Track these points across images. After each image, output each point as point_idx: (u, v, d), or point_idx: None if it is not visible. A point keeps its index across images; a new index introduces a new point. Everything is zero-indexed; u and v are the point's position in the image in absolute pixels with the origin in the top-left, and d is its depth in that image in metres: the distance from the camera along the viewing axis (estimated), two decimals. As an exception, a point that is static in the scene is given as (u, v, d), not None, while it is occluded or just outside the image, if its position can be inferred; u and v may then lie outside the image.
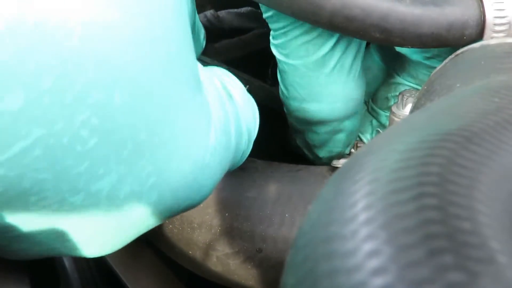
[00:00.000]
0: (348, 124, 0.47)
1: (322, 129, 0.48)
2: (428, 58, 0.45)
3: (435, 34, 0.37)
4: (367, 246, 0.15)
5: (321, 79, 0.43)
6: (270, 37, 0.44)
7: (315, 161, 0.54)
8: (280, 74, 0.46)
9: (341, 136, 0.49)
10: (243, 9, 0.53)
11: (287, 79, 0.45)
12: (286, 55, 0.43)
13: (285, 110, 0.50)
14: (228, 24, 0.53)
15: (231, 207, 0.49)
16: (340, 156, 0.52)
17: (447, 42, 0.37)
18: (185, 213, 0.51)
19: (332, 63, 0.42)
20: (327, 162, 0.53)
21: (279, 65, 0.45)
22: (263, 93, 0.65)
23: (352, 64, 0.44)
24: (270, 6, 0.39)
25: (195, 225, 0.50)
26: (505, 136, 0.20)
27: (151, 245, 0.63)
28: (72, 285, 0.62)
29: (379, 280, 0.14)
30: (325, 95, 0.44)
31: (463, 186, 0.17)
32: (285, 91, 0.46)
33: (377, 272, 0.15)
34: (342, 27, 0.37)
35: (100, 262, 0.63)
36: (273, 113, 0.66)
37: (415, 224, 0.15)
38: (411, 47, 0.38)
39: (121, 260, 0.61)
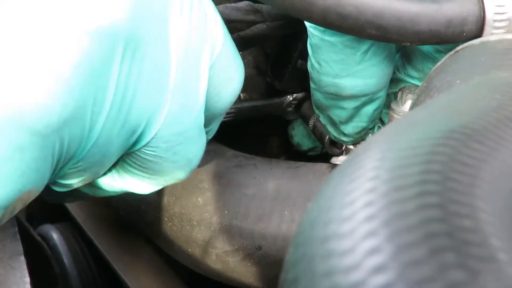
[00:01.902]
0: (376, 98, 0.47)
1: (351, 104, 0.48)
2: (438, 52, 0.44)
3: (433, 30, 0.37)
4: (367, 244, 0.15)
5: (357, 56, 0.43)
6: None
7: (337, 138, 0.54)
8: (313, 49, 0.46)
9: (368, 110, 0.48)
10: (241, 3, 0.53)
11: (321, 54, 0.45)
12: (323, 31, 0.43)
13: (312, 86, 0.49)
14: (225, 18, 0.52)
15: (230, 204, 0.49)
16: (365, 131, 0.52)
17: (446, 38, 0.37)
18: (184, 211, 0.51)
19: (369, 40, 0.42)
20: (350, 140, 0.53)
21: (313, 40, 0.45)
22: (264, 88, 0.65)
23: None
24: (263, 2, 0.39)
25: (194, 223, 0.50)
26: (506, 133, 0.20)
27: (150, 243, 0.63)
28: (71, 283, 0.62)
29: (378, 279, 0.14)
30: (360, 72, 0.44)
31: (464, 184, 0.17)
32: (317, 66, 0.46)
33: (377, 270, 0.15)
34: (336, 25, 0.37)
35: (99, 260, 0.63)
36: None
37: (417, 222, 0.15)
38: (410, 44, 0.38)
39: (120, 258, 0.61)
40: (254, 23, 0.55)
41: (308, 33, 0.45)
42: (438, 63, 0.37)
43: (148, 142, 0.36)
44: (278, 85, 0.61)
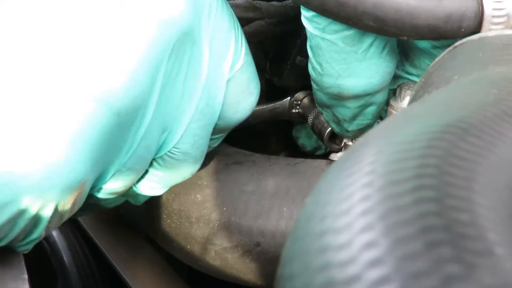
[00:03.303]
0: (379, 97, 0.47)
1: (354, 104, 0.47)
2: (435, 48, 0.44)
3: (432, 25, 0.36)
4: (363, 238, 0.15)
5: (359, 54, 0.43)
6: (303, 11, 0.43)
7: (341, 134, 0.54)
8: (313, 50, 0.45)
9: (371, 109, 0.48)
10: (239, 0, 0.53)
11: (323, 55, 0.44)
12: (322, 29, 0.42)
13: (314, 86, 0.49)
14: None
15: (229, 201, 0.49)
16: (367, 128, 0.51)
17: (444, 34, 0.37)
18: (183, 208, 0.51)
19: (370, 37, 0.42)
20: (354, 136, 0.53)
21: (313, 41, 0.44)
22: (263, 85, 0.65)
23: (388, 38, 0.43)
24: None
25: (193, 220, 0.50)
26: (503, 128, 0.20)
27: (149, 240, 0.63)
28: (70, 280, 0.62)
29: (374, 273, 0.14)
30: (363, 71, 0.44)
31: (461, 178, 0.17)
32: (318, 68, 0.45)
33: (372, 264, 0.15)
34: (333, 12, 0.37)
35: (99, 257, 0.63)
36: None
37: (413, 216, 0.15)
38: (408, 38, 0.38)
39: (119, 255, 0.61)
40: (253, 20, 0.55)
41: (308, 34, 0.44)
42: (437, 59, 0.37)
43: (180, 139, 0.40)
44: (277, 81, 0.61)
